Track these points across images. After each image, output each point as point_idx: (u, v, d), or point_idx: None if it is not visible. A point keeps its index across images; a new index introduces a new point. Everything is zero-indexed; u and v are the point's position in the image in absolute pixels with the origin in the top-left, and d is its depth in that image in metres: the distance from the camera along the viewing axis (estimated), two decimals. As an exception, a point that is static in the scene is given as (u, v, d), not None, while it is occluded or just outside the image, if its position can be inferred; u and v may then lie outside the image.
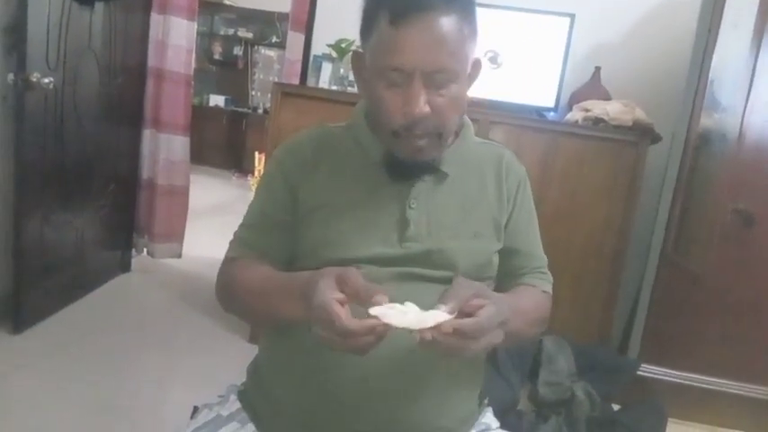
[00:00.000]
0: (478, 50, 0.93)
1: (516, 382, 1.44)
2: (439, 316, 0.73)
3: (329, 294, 0.75)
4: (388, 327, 0.72)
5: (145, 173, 3.24)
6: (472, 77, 0.94)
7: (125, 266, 3.17)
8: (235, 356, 2.16)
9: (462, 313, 0.76)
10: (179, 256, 3.40)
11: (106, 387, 2.11)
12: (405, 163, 0.93)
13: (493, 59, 2.36)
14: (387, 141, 0.93)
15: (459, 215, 0.96)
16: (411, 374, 0.89)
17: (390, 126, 0.89)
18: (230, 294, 0.96)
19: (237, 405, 1.00)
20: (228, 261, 0.99)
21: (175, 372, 2.30)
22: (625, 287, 2.27)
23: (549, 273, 1.07)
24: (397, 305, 0.74)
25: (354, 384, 0.88)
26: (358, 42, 0.95)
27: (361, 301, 0.75)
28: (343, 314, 0.72)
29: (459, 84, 0.87)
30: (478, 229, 0.97)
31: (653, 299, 2.15)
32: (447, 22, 0.83)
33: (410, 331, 0.72)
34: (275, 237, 0.98)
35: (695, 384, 1.78)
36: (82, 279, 2.80)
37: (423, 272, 0.92)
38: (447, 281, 0.92)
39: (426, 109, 0.85)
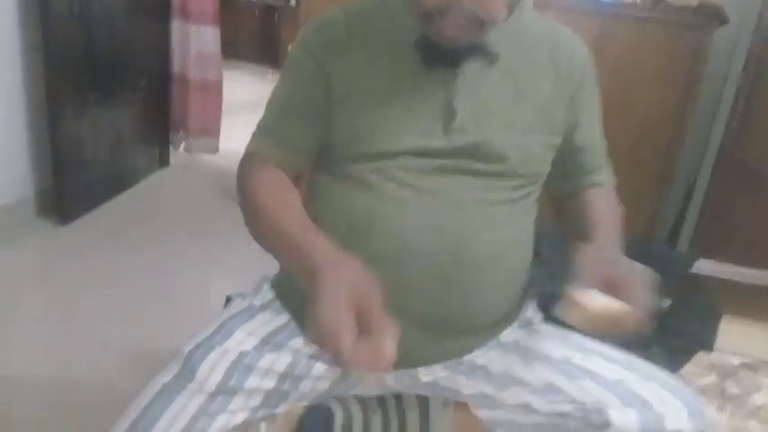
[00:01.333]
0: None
1: (560, 274, 1.40)
2: None
3: (336, 312, 0.62)
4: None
5: (176, 67, 3.17)
6: None
7: (164, 162, 3.20)
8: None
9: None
10: (216, 150, 3.40)
11: (151, 276, 2.18)
12: (443, 46, 0.82)
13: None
14: (420, 23, 0.82)
15: (511, 103, 0.87)
16: (465, 265, 0.85)
17: (422, 6, 0.78)
18: (247, 209, 0.86)
19: (270, 295, 0.98)
20: (249, 159, 0.90)
21: (216, 261, 2.37)
22: (678, 182, 2.17)
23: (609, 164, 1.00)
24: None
25: (402, 272, 0.84)
26: None
27: (365, 328, 0.63)
28: (348, 340, 0.61)
29: None
30: (532, 121, 0.88)
31: (708, 194, 2.05)
32: None
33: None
34: (303, 126, 0.89)
35: (749, 281, 1.73)
36: (122, 174, 2.84)
37: (468, 165, 0.85)
38: (494, 174, 0.86)
39: None
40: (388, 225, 0.84)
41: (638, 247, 1.68)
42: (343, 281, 0.65)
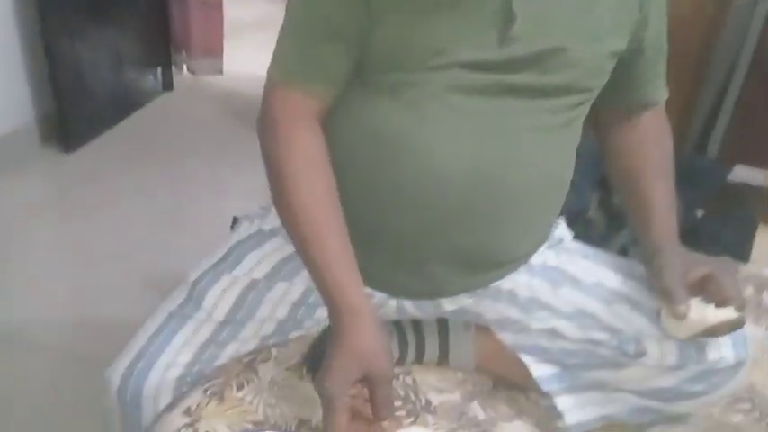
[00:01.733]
0: None
1: (586, 188, 1.32)
2: None
3: (341, 386, 0.66)
4: None
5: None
6: None
7: (167, 85, 3.10)
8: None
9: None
10: (220, 72, 3.29)
11: (161, 201, 2.16)
12: None
13: None
14: None
15: (577, 6, 0.73)
16: (503, 197, 0.76)
17: None
18: (278, 184, 0.76)
19: (279, 220, 0.91)
20: (277, 97, 0.76)
21: (225, 184, 2.32)
22: (709, 86, 2.03)
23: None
24: None
25: (431, 203, 0.75)
26: None
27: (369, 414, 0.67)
28: (343, 420, 0.65)
29: None
30: (606, 23, 0.75)
31: (740, 98, 1.91)
32: None
33: None
34: (339, 51, 0.73)
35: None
36: (125, 98, 2.76)
37: (526, 81, 0.72)
38: (553, 92, 0.74)
39: None
40: (421, 149, 0.73)
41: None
42: (359, 354, 0.67)
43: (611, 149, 0.92)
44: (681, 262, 0.79)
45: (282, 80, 0.76)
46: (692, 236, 1.31)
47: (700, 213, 1.41)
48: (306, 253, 0.74)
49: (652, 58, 0.84)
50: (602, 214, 1.35)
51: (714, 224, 1.34)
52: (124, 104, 2.74)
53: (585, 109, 0.81)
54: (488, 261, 0.82)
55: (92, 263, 1.84)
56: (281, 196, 0.75)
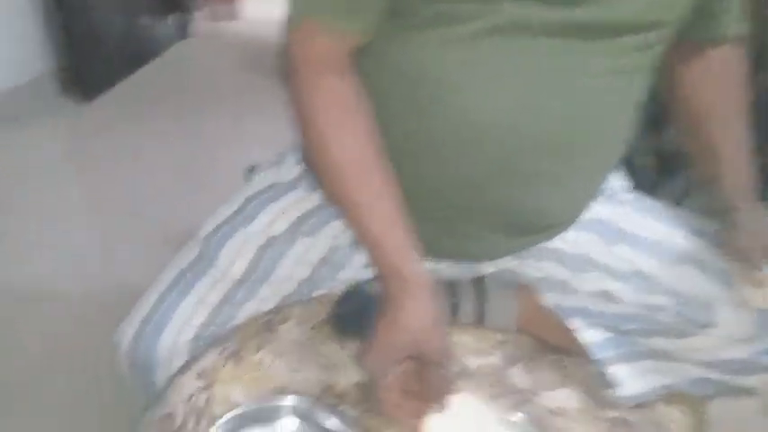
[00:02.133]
0: None
1: (636, 130, 1.20)
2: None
3: (388, 362, 0.61)
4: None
5: None
6: None
7: (184, 32, 3.01)
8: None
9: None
10: (237, 17, 3.20)
11: (179, 152, 2.12)
12: None
13: None
14: None
15: None
16: (559, 155, 0.66)
17: None
18: (313, 139, 0.66)
19: (298, 170, 0.81)
20: (296, 32, 0.65)
21: (245, 134, 2.26)
22: None
23: None
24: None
25: (474, 161, 0.66)
26: None
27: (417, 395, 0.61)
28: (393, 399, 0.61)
29: None
30: None
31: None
32: None
33: None
34: None
35: None
36: (141, 46, 2.70)
37: (591, 16, 0.61)
38: (624, 30, 0.63)
39: None
40: (467, 95, 0.63)
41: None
42: (412, 331, 0.60)
43: (677, 85, 0.81)
44: (759, 221, 0.71)
45: (307, 17, 0.64)
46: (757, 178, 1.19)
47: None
48: (352, 215, 0.65)
49: None
50: (653, 160, 1.23)
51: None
52: (140, 53, 2.68)
53: (659, 52, 0.69)
54: (537, 224, 0.74)
55: (109, 217, 1.80)
56: (318, 153, 0.66)
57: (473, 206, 0.70)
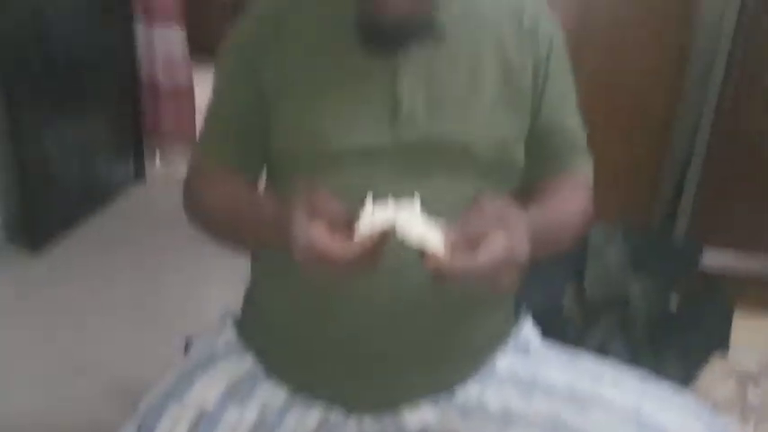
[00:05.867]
0: None
1: (559, 282, 1.29)
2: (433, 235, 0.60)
3: (308, 230, 0.61)
4: (388, 235, 0.60)
5: (144, 73, 3.04)
6: None
7: (139, 176, 3.07)
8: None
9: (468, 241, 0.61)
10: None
11: (133, 300, 2.10)
12: (384, 21, 0.71)
13: None
14: None
15: (468, 85, 0.76)
16: (430, 298, 0.75)
17: None
18: (198, 212, 0.86)
19: (233, 334, 0.89)
20: (193, 174, 0.89)
21: (199, 282, 2.26)
22: (674, 155, 2.04)
23: (587, 149, 0.88)
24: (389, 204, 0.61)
25: (363, 310, 0.75)
26: None
27: (341, 224, 0.63)
28: (335, 245, 0.60)
29: None
30: (496, 98, 0.76)
31: (704, 171, 1.92)
32: None
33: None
34: (242, 144, 0.84)
35: (758, 269, 1.61)
36: (96, 191, 2.72)
37: (426, 163, 0.74)
38: (460, 171, 0.74)
39: None
40: None
41: (642, 243, 1.56)
42: (301, 207, 0.64)
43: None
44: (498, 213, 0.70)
45: (203, 157, 0.87)
46: (668, 326, 1.29)
47: (674, 300, 1.39)
48: (229, 227, 0.82)
49: (560, 135, 0.84)
50: (578, 309, 1.32)
51: (690, 312, 1.32)
52: (94, 196, 2.70)
53: (509, 184, 0.81)
54: (443, 358, 0.80)
55: (58, 371, 1.75)
56: (195, 210, 0.88)
57: (377, 352, 0.77)
